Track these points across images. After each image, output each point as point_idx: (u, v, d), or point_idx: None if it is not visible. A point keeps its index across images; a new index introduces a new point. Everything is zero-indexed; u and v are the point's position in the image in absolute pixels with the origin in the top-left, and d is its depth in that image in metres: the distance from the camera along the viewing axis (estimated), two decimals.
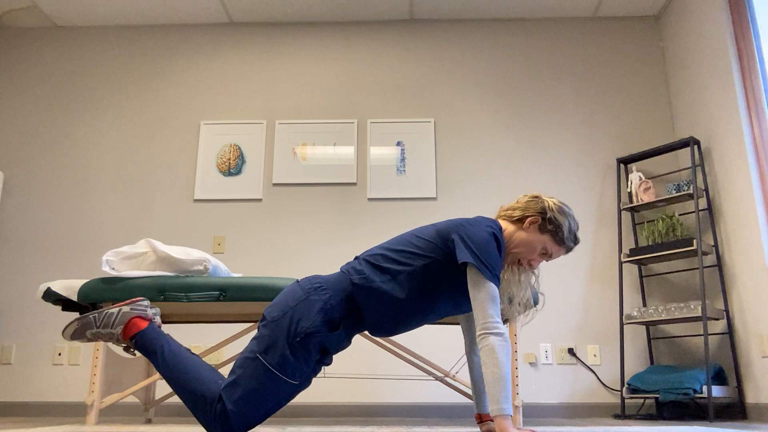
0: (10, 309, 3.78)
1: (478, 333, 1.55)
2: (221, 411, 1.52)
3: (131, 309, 1.72)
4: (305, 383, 1.64)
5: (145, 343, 1.66)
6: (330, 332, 1.61)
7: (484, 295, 1.56)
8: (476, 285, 1.58)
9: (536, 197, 1.78)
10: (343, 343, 1.69)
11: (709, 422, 2.87)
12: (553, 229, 1.73)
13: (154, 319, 1.74)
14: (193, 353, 1.67)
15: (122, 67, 4.26)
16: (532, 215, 1.74)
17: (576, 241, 1.78)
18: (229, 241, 3.87)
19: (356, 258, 1.74)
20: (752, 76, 3.30)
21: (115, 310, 1.72)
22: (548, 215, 1.73)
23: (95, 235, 3.91)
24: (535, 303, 2.08)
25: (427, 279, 1.64)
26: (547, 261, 1.78)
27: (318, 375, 3.37)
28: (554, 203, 1.76)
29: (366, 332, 2.57)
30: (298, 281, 1.70)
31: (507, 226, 1.77)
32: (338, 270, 1.76)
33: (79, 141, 4.11)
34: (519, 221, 1.76)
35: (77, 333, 1.73)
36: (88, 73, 4.25)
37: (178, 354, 1.63)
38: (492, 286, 1.57)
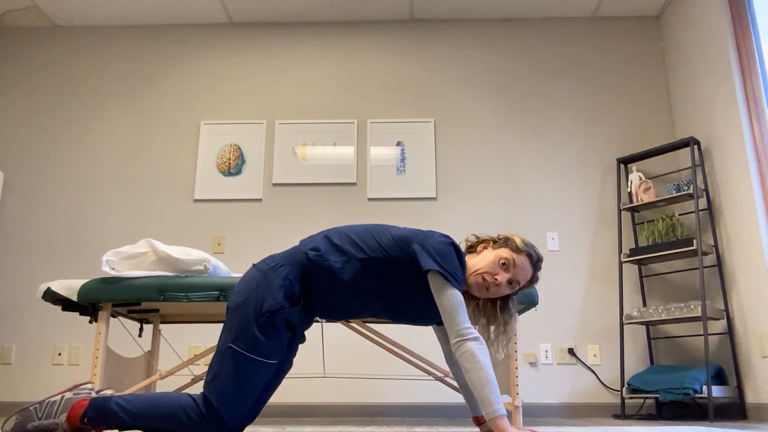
0: (10, 309, 3.78)
1: (453, 341, 1.55)
2: (208, 411, 1.52)
3: (74, 395, 1.61)
4: (286, 364, 1.66)
5: (99, 411, 1.55)
6: (292, 307, 1.62)
7: (452, 303, 1.56)
8: (442, 293, 1.58)
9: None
10: (307, 318, 1.70)
11: (709, 422, 2.87)
12: (504, 242, 1.74)
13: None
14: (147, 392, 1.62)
15: (122, 67, 4.26)
16: (484, 242, 1.78)
17: (537, 253, 1.74)
18: (229, 241, 3.87)
19: (320, 233, 1.74)
20: (752, 76, 3.30)
21: (57, 398, 1.60)
22: (497, 236, 1.78)
23: (95, 235, 3.91)
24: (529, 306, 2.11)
25: (378, 273, 1.65)
26: (513, 282, 1.71)
27: (318, 375, 3.37)
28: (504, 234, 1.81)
29: (360, 329, 2.57)
30: (254, 264, 1.71)
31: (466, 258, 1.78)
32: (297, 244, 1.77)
33: (79, 141, 4.11)
34: (472, 249, 1.79)
35: (18, 426, 1.58)
36: (88, 73, 4.25)
37: (136, 396, 1.57)
38: (457, 292, 1.58)
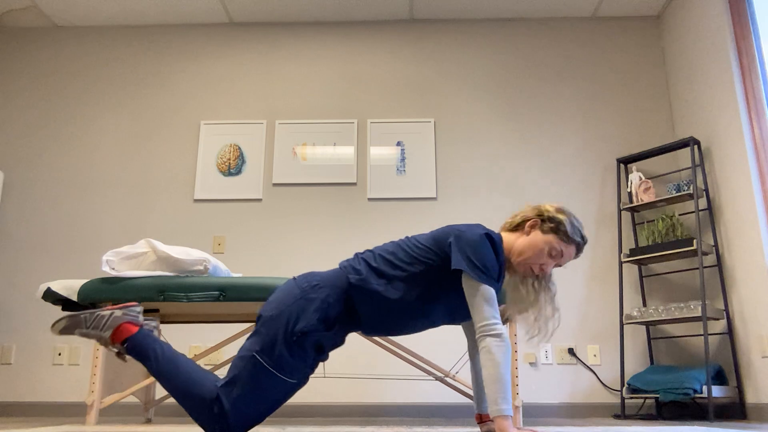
0: (10, 309, 3.78)
1: (476, 335, 1.55)
2: (219, 411, 1.52)
3: (123, 314, 1.69)
4: (303, 381, 1.63)
5: (137, 348, 1.64)
6: (326, 331, 1.61)
7: (479, 298, 1.56)
8: (471, 289, 1.58)
9: (536, 206, 1.78)
10: (338, 341, 1.69)
11: (709, 422, 2.87)
12: (555, 227, 1.71)
13: (144, 325, 1.71)
14: (186, 357, 1.66)
15: (122, 67, 4.26)
16: (531, 218, 1.73)
17: (583, 237, 1.74)
18: (229, 241, 3.87)
19: (356, 255, 1.73)
20: (752, 76, 3.30)
21: (106, 312, 1.69)
22: (546, 215, 1.72)
23: (95, 235, 3.91)
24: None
25: (423, 285, 1.64)
26: (559, 265, 1.74)
27: (318, 375, 3.38)
28: (551, 205, 1.76)
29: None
30: (294, 279, 1.69)
31: (507, 237, 1.75)
32: (337, 266, 1.76)
33: (79, 141, 4.11)
34: (519, 227, 1.75)
35: (66, 329, 1.70)
36: (88, 73, 4.25)
37: (172, 358, 1.62)
38: (486, 288, 1.57)
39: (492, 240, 1.65)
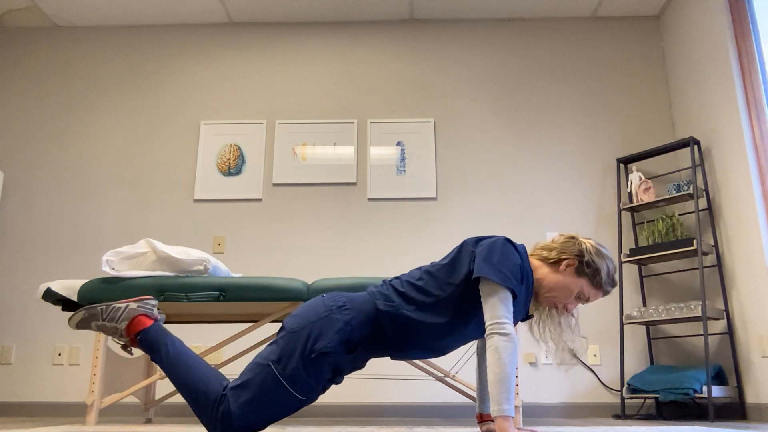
0: (10, 309, 3.78)
1: (486, 333, 1.54)
2: (225, 411, 1.52)
3: (138, 306, 1.72)
4: (311, 400, 1.63)
5: (149, 341, 1.66)
6: (346, 354, 1.60)
7: (495, 297, 1.54)
8: (487, 289, 1.56)
9: (572, 238, 1.72)
10: (358, 365, 1.68)
11: (709, 422, 2.87)
12: (591, 273, 1.67)
13: (159, 319, 1.74)
14: (196, 355, 1.67)
15: (122, 67, 4.26)
16: (569, 258, 1.69)
17: (614, 284, 1.72)
18: (229, 241, 3.87)
19: (384, 282, 1.72)
20: (752, 76, 3.31)
21: (122, 305, 1.71)
22: (586, 258, 1.67)
23: (95, 235, 3.91)
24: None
25: (454, 307, 1.63)
26: (583, 304, 1.73)
27: None
28: (591, 245, 1.70)
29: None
30: (323, 296, 1.68)
31: (540, 266, 1.72)
32: (365, 291, 1.75)
33: (79, 141, 4.11)
34: (555, 263, 1.70)
35: (83, 322, 1.73)
36: (87, 73, 4.25)
37: (182, 353, 1.63)
38: (503, 289, 1.55)
39: (514, 245, 1.64)
